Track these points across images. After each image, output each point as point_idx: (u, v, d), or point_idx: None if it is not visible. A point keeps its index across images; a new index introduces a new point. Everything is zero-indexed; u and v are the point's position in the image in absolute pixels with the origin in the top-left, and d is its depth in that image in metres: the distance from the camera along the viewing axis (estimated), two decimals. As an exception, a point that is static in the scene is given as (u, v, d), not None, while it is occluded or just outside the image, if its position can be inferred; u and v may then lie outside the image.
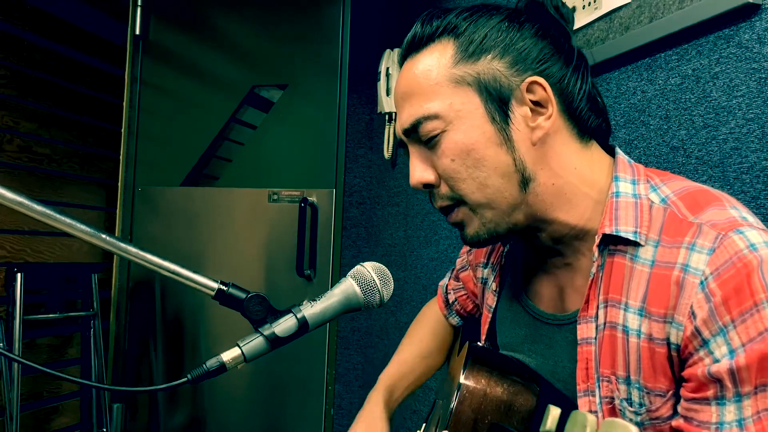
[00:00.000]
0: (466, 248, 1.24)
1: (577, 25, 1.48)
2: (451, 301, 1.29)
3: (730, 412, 0.69)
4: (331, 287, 0.84)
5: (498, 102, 0.82)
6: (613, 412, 0.81)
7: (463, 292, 1.25)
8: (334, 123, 2.73)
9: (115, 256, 2.74)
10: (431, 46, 0.86)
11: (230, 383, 2.76)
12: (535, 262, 0.98)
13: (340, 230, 2.73)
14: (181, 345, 2.83)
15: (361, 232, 3.00)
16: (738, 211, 0.76)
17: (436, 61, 0.84)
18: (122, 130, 2.75)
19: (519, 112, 0.83)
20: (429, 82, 0.84)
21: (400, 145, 0.95)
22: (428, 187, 0.87)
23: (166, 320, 2.85)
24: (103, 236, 0.77)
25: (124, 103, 2.78)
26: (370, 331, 3.03)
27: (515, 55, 0.83)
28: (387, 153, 2.58)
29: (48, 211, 0.75)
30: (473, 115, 0.82)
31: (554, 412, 0.51)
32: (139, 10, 2.82)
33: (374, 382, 1.28)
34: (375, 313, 2.97)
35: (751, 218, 0.75)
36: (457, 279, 1.27)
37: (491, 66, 0.82)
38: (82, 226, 0.76)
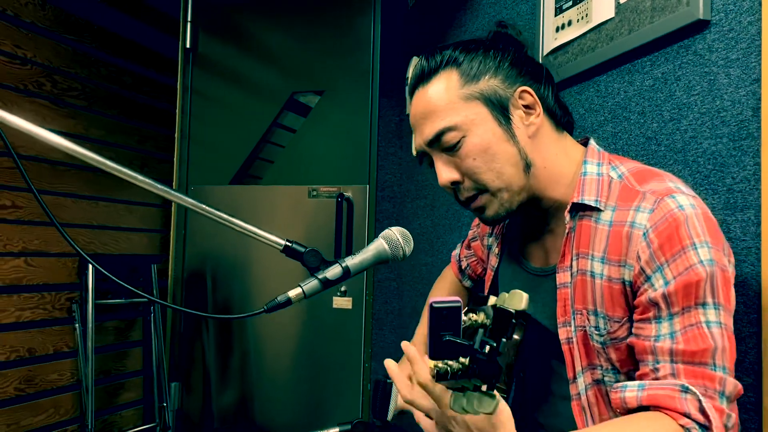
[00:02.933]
0: (476, 222, 1.51)
1: (572, 36, 1.73)
2: (463, 267, 1.56)
3: (664, 327, 0.95)
4: (367, 244, 1.11)
5: (500, 109, 1.09)
6: (585, 336, 1.07)
7: (473, 259, 1.52)
8: (366, 125, 2.91)
9: (171, 247, 3.02)
10: (438, 76, 1.11)
11: (275, 364, 2.97)
12: (528, 230, 1.25)
13: (374, 222, 2.90)
14: (230, 329, 3.04)
15: (392, 223, 3.24)
16: (674, 183, 1.02)
17: (446, 85, 1.10)
18: (176, 135, 2.99)
19: (516, 115, 1.10)
20: (444, 102, 1.09)
21: (419, 157, 1.21)
22: (455, 184, 1.12)
23: (216, 306, 3.05)
24: (189, 199, 1.05)
25: (177, 111, 3.01)
26: (402, 312, 3.28)
27: (504, 74, 1.10)
28: (415, 151, 2.84)
29: (117, 166, 1.03)
30: (484, 121, 1.08)
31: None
32: (189, 25, 3.03)
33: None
34: (406, 296, 3.20)
35: (684, 188, 1.01)
36: (468, 248, 1.54)
37: (490, 83, 1.10)
38: (163, 186, 1.04)
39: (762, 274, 1.16)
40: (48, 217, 1.10)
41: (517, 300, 0.68)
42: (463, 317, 0.70)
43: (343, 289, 2.90)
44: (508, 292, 1.27)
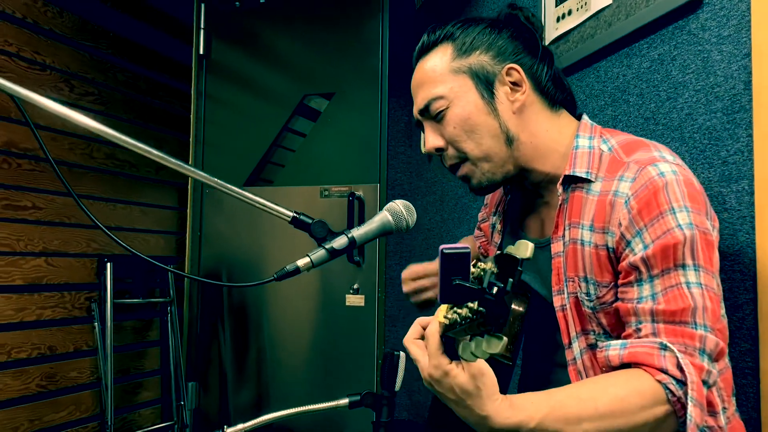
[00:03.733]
0: (484, 203, 1.56)
1: (572, 25, 1.78)
2: (477, 249, 1.61)
3: (645, 289, 0.98)
4: (372, 217, 1.15)
5: (485, 84, 1.15)
6: (577, 302, 1.11)
7: (484, 239, 1.57)
8: (376, 125, 2.95)
9: (187, 249, 3.08)
10: (435, 49, 1.20)
11: (290, 363, 3.00)
12: (526, 206, 1.29)
13: None
14: (246, 329, 3.07)
15: (403, 221, 3.28)
16: (660, 152, 1.06)
17: (439, 59, 1.18)
18: (191, 139, 3.04)
19: (501, 91, 1.15)
20: (435, 74, 1.17)
21: (416, 125, 1.28)
22: (439, 150, 1.20)
23: (232, 308, 3.09)
24: (201, 173, 1.10)
25: (192, 115, 3.06)
26: (414, 309, 3.31)
27: (496, 50, 1.16)
28: (424, 148, 2.89)
29: (140, 144, 1.08)
30: (468, 94, 1.15)
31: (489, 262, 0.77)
32: (202, 32, 3.10)
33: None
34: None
35: (669, 156, 1.05)
36: (479, 229, 1.59)
37: (479, 59, 1.16)
38: (178, 161, 1.09)
39: (756, 241, 1.19)
40: (65, 187, 1.16)
41: (523, 249, 0.71)
42: (472, 268, 0.73)
43: (355, 286, 2.94)
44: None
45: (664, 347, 0.92)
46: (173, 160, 1.10)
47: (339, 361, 2.97)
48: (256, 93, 3.12)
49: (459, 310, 0.74)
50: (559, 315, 1.13)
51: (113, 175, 3.13)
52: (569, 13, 1.79)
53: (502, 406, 0.86)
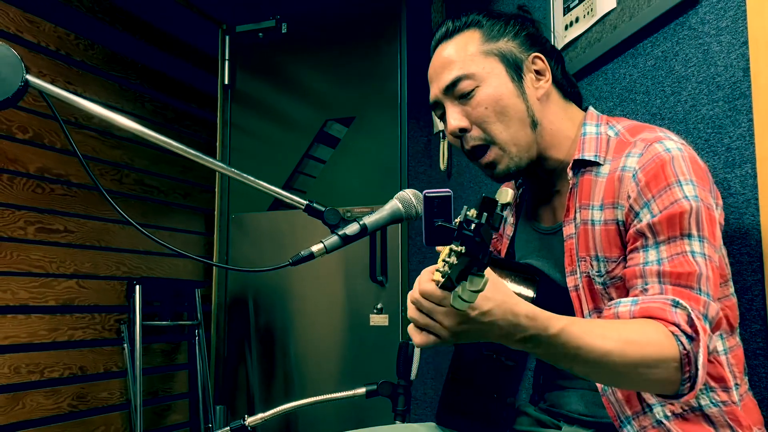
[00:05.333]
0: None
1: (580, 31, 1.83)
2: (488, 246, 1.64)
3: (651, 254, 1.01)
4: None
5: (514, 68, 1.19)
6: (589, 281, 1.13)
7: (494, 237, 1.60)
8: (396, 146, 2.99)
9: (214, 272, 3.15)
10: (461, 34, 1.22)
11: (317, 385, 3.00)
12: (538, 196, 1.32)
13: (407, 239, 2.98)
14: (272, 352, 3.09)
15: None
16: (665, 133, 1.09)
17: (468, 41, 1.20)
18: None
19: (528, 77, 1.20)
20: (464, 54, 1.19)
21: (432, 107, 1.30)
22: (462, 131, 1.20)
23: (259, 331, 3.11)
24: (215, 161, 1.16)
25: (218, 143, 3.16)
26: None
27: (521, 40, 1.21)
28: (443, 165, 2.95)
29: (168, 140, 1.14)
30: (499, 76, 1.18)
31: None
32: (227, 63, 3.21)
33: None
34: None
35: (674, 137, 1.08)
36: None
37: (508, 45, 1.20)
38: (195, 152, 1.15)
39: (761, 223, 1.21)
40: (92, 180, 1.22)
41: (504, 195, 0.74)
42: (457, 220, 0.76)
43: (379, 306, 2.96)
44: (524, 255, 1.35)
45: (676, 303, 0.93)
46: (206, 157, 1.16)
47: (365, 382, 2.97)
48: (279, 120, 3.19)
49: (447, 259, 0.77)
50: (573, 295, 1.16)
51: (142, 200, 3.22)
52: (576, 20, 1.84)
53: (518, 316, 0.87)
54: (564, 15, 1.91)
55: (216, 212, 3.18)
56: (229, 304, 3.17)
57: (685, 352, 0.90)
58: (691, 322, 0.92)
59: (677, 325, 0.92)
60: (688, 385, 0.91)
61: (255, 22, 3.24)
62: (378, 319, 2.97)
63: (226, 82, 3.24)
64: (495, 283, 0.87)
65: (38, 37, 2.67)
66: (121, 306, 3.05)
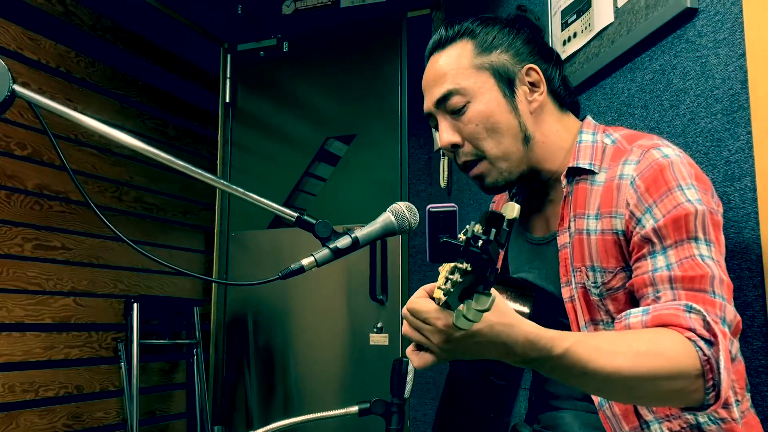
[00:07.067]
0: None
1: (578, 46, 1.81)
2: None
3: (660, 260, 0.96)
4: (375, 220, 1.17)
5: (507, 82, 1.17)
6: (585, 292, 1.10)
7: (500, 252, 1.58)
8: (397, 164, 3.00)
9: (213, 291, 3.13)
10: (454, 44, 1.20)
11: (317, 406, 2.95)
12: (531, 205, 1.30)
13: (407, 258, 2.97)
14: (272, 372, 3.07)
15: (425, 258, 3.29)
16: (662, 141, 1.07)
17: (460, 53, 1.18)
18: None
19: (521, 90, 1.18)
20: (456, 67, 1.17)
21: (426, 119, 1.27)
22: (455, 147, 1.18)
23: (258, 350, 3.10)
24: (210, 176, 1.14)
25: (218, 161, 3.17)
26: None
27: (515, 51, 1.19)
28: (443, 182, 2.93)
29: (167, 155, 1.13)
30: (491, 91, 1.16)
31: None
32: (228, 81, 3.24)
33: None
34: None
35: (671, 145, 1.06)
36: None
37: (500, 57, 1.18)
38: (195, 168, 1.14)
39: (761, 237, 1.18)
40: (82, 195, 1.20)
41: (510, 210, 0.71)
42: (461, 236, 0.74)
43: (379, 325, 2.94)
44: (516, 267, 1.32)
45: (690, 308, 0.89)
46: (203, 172, 1.15)
47: (366, 401, 2.93)
48: (280, 138, 3.20)
49: (451, 276, 0.74)
50: (568, 306, 1.13)
51: (141, 218, 3.21)
52: (574, 35, 1.83)
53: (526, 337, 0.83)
54: (562, 30, 1.90)
55: (216, 230, 3.17)
56: (228, 322, 3.16)
57: (705, 358, 0.85)
58: (707, 326, 0.87)
59: (693, 330, 0.87)
60: (713, 393, 0.86)
61: (256, 41, 3.27)
62: (378, 338, 2.94)
63: (228, 100, 3.26)
64: (497, 302, 0.83)
65: (39, 54, 2.67)
66: (118, 324, 3.03)
